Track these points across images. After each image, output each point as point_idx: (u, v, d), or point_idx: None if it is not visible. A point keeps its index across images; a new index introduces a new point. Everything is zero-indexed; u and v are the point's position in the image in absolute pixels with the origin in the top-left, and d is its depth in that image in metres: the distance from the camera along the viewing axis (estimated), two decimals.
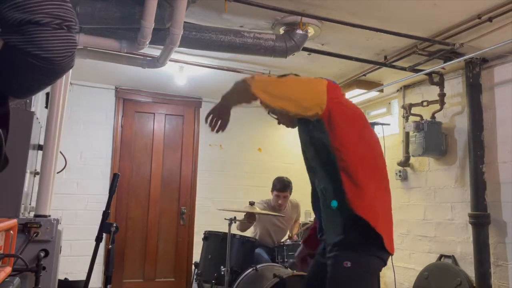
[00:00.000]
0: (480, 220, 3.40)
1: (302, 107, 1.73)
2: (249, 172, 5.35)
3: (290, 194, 3.80)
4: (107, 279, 2.13)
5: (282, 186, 3.71)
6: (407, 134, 4.13)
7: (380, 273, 4.30)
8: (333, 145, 1.75)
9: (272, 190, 3.82)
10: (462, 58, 3.40)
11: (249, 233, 3.93)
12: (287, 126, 2.09)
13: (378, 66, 3.74)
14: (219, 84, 4.64)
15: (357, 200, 1.72)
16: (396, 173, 4.32)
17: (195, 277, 3.50)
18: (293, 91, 1.74)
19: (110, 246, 2.13)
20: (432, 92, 3.96)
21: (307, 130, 1.87)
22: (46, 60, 0.77)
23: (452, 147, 3.87)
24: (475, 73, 3.56)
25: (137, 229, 4.86)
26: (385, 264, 1.81)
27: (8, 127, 0.86)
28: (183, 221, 5.03)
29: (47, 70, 0.79)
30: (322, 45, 3.42)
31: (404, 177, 4.32)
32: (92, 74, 4.45)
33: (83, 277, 2.29)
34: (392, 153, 4.29)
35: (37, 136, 2.68)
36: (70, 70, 2.93)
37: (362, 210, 1.72)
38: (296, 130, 2.44)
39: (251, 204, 3.34)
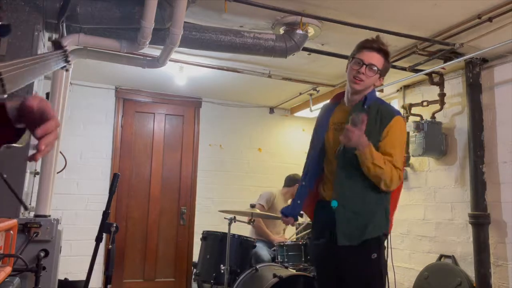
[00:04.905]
0: (480, 220, 3.40)
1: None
2: (249, 172, 5.35)
3: None
4: (107, 279, 2.13)
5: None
6: (407, 134, 4.12)
7: None
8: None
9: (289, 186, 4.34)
10: (462, 58, 3.40)
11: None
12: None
13: None
14: (219, 84, 4.64)
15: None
16: None
17: (193, 276, 3.52)
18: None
19: (110, 246, 2.13)
20: (432, 92, 3.96)
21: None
22: None
23: (452, 147, 3.86)
24: (475, 73, 3.55)
25: (137, 229, 4.86)
26: None
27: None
28: (183, 221, 5.03)
29: None
30: (322, 45, 3.42)
31: (404, 177, 4.31)
32: (92, 74, 4.45)
33: (83, 277, 2.29)
34: None
35: None
36: (70, 70, 2.86)
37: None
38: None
39: (252, 206, 3.35)
